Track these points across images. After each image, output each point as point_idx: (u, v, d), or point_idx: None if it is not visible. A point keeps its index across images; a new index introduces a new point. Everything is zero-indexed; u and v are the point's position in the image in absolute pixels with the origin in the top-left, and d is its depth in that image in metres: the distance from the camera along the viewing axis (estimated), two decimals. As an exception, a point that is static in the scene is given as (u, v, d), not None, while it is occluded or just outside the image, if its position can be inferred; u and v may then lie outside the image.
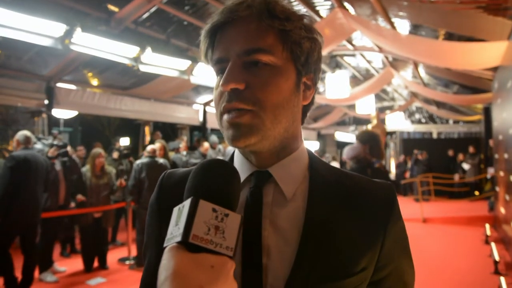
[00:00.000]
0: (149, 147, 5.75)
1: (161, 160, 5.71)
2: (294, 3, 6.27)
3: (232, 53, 0.70)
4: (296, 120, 0.76)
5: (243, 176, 0.76)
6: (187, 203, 0.54)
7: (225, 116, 0.70)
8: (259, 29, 0.70)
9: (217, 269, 0.52)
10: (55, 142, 5.35)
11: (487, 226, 7.27)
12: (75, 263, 5.65)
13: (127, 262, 5.73)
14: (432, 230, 8.36)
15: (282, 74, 0.71)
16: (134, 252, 5.80)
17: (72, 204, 5.55)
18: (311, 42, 0.74)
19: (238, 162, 0.79)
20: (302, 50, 0.72)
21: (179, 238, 0.52)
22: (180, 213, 0.54)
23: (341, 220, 0.71)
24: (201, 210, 0.53)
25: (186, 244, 0.52)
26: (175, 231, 0.53)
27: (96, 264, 5.50)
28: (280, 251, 0.69)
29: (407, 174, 14.07)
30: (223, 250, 0.53)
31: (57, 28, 4.95)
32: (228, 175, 0.61)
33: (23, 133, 4.59)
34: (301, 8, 6.43)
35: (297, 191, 0.74)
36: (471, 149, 12.47)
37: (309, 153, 0.82)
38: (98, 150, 5.60)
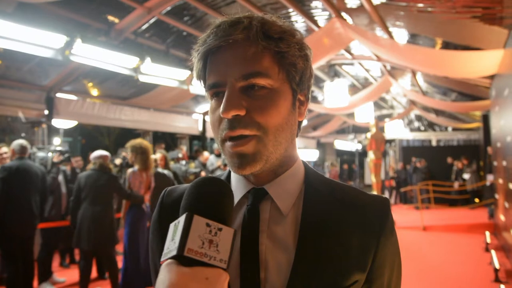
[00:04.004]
0: (152, 157, 5.74)
1: (164, 171, 5.68)
2: (293, 13, 6.33)
3: (229, 78, 0.69)
4: (294, 138, 0.78)
5: (240, 193, 0.77)
6: (182, 219, 0.57)
7: (228, 143, 0.70)
8: (255, 52, 0.69)
9: (212, 281, 0.53)
10: (58, 148, 5.38)
11: (487, 233, 7.26)
12: (75, 274, 5.62)
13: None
14: (432, 238, 8.34)
15: (280, 96, 0.71)
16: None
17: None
18: (304, 60, 0.74)
19: (235, 179, 0.80)
20: (297, 70, 0.73)
21: (174, 252, 0.54)
22: (176, 229, 0.57)
23: (335, 233, 0.72)
24: (196, 225, 0.55)
25: (182, 258, 0.54)
26: (171, 245, 0.56)
27: (95, 274, 5.48)
28: (277, 264, 0.70)
29: (393, 182, 14.18)
30: (217, 262, 0.55)
31: (58, 39, 5.00)
32: (221, 191, 0.63)
33: (18, 142, 4.54)
34: (299, 18, 6.49)
35: (293, 206, 0.76)
36: (464, 160, 12.50)
37: (305, 166, 0.82)
38: None
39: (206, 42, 0.71)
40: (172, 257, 0.55)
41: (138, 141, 4.73)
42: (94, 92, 8.12)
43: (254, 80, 0.69)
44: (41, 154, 5.27)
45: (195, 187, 0.63)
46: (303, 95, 0.79)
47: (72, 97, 7.61)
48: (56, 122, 7.65)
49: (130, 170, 4.78)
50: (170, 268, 0.54)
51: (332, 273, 0.69)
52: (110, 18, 6.00)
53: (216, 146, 8.71)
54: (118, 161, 7.13)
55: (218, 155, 8.44)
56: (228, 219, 0.61)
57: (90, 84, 7.91)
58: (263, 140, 0.69)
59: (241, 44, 0.69)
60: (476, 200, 11.78)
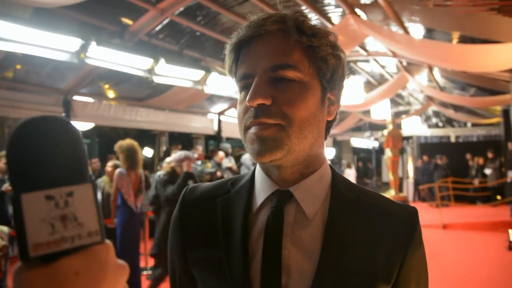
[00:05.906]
0: (168, 159, 5.75)
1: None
2: (306, 11, 6.29)
3: (258, 69, 0.69)
4: (321, 136, 0.75)
5: (264, 195, 0.75)
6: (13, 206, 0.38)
7: (251, 130, 0.69)
8: (287, 45, 0.69)
9: (85, 271, 0.38)
10: None
11: (510, 231, 7.07)
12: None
13: (145, 273, 5.76)
14: (452, 236, 8.19)
15: (308, 90, 0.70)
16: (151, 262, 5.82)
17: None
18: (336, 59, 0.73)
19: (260, 179, 0.78)
20: (328, 67, 0.72)
21: (20, 255, 0.37)
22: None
23: (360, 241, 0.70)
24: (29, 207, 0.36)
25: (33, 260, 0.36)
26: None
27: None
28: (300, 270, 0.69)
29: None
30: (86, 240, 0.38)
31: (73, 42, 5.07)
32: (57, 137, 0.40)
33: None
34: (312, 16, 6.44)
35: (319, 210, 0.73)
36: (490, 154, 12.20)
37: (332, 169, 0.80)
38: (112, 161, 5.68)
39: (239, 34, 0.71)
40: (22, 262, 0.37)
41: (122, 141, 4.78)
42: (111, 94, 8.23)
43: (283, 72, 0.68)
44: None
45: (15, 146, 0.38)
46: (334, 94, 0.77)
47: (89, 99, 7.73)
48: (74, 125, 7.76)
49: (117, 171, 4.79)
50: (22, 276, 0.36)
51: (356, 283, 0.67)
52: (124, 20, 6.07)
53: (225, 146, 8.70)
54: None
55: (226, 156, 8.41)
56: (81, 172, 0.40)
57: (107, 86, 8.01)
58: (286, 129, 0.67)
59: (273, 35, 0.70)
60: (498, 197, 11.51)
